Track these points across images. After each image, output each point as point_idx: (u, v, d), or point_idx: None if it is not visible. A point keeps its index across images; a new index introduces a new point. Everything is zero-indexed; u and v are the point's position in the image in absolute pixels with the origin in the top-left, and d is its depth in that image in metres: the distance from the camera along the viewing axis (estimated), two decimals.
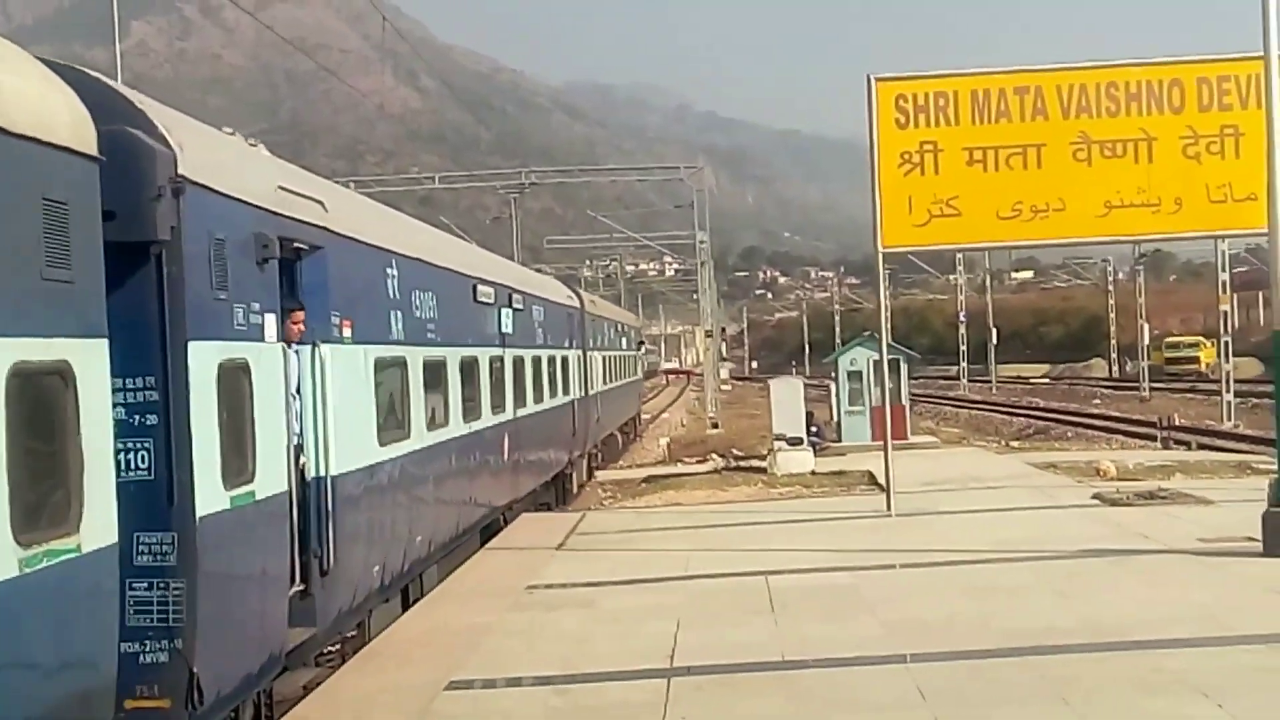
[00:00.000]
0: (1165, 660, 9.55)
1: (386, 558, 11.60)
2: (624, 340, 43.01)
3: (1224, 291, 44.72)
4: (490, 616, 12.40)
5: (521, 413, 19.68)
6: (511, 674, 10.27)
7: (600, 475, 31.29)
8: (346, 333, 10.73)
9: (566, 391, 25.71)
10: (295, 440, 9.67)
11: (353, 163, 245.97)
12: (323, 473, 10.02)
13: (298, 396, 9.85)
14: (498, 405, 17.67)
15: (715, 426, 48.62)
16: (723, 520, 18.90)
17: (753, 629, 11.32)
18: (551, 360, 23.69)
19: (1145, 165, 17.59)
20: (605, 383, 34.33)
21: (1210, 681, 8.84)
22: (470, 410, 15.75)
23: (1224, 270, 44.37)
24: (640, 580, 14.02)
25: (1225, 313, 45.54)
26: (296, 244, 9.78)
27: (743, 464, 28.83)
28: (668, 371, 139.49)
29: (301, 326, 9.89)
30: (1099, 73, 17.87)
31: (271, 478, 8.76)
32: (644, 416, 56.51)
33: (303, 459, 9.85)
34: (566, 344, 26.22)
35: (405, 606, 13.09)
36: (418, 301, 13.21)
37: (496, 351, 17.84)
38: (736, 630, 11.31)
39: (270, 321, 8.90)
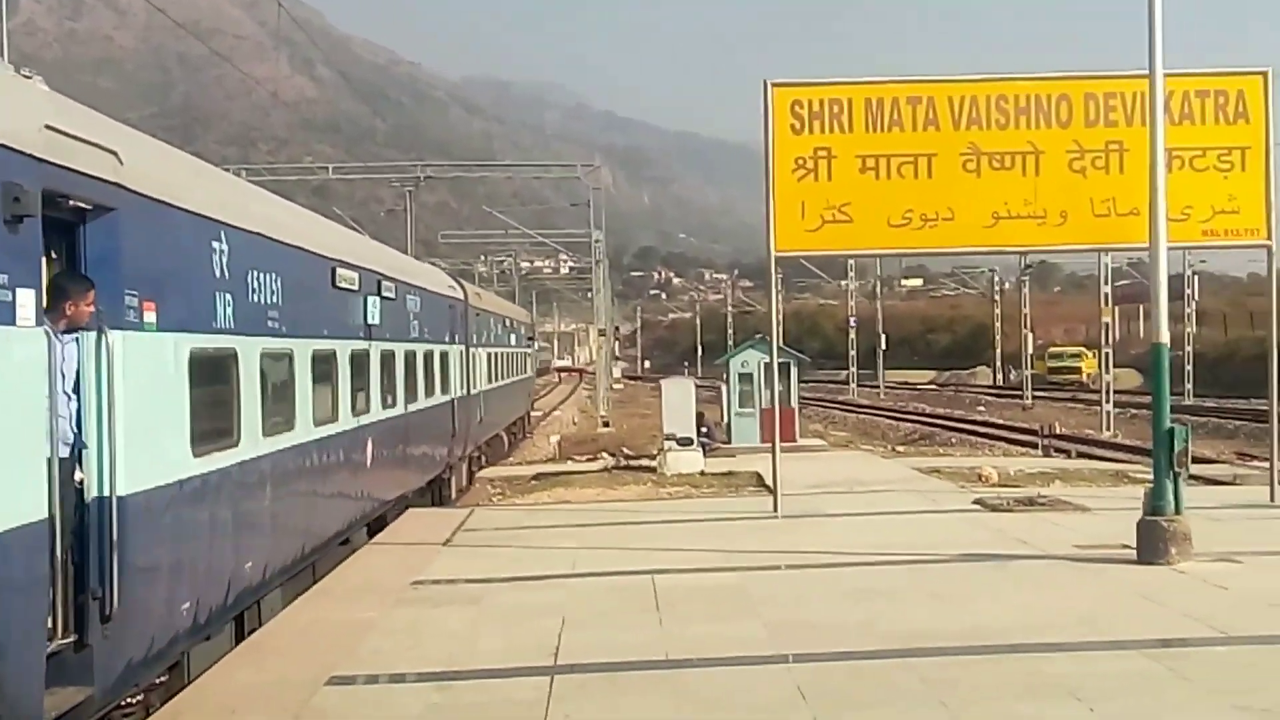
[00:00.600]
0: (1041, 664, 9.72)
1: (203, 592, 9.76)
2: (513, 336, 40.91)
3: (1106, 304, 45.74)
4: (374, 612, 12.28)
5: (390, 413, 17.88)
6: (394, 670, 10.16)
7: (489, 472, 31.15)
8: (149, 317, 8.74)
9: (445, 390, 23.76)
10: (68, 451, 7.84)
11: (245, 150, 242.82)
12: (106, 491, 8.02)
13: (74, 396, 7.96)
14: (360, 405, 15.80)
15: (606, 425, 48.73)
16: (611, 519, 18.89)
17: (638, 628, 11.32)
18: (428, 356, 21.65)
19: (1032, 178, 17.93)
20: (490, 380, 32.42)
21: (1084, 685, 9.02)
22: (323, 411, 13.82)
23: (1106, 283, 45.40)
24: (527, 578, 13.98)
25: (1107, 325, 46.59)
26: (75, 203, 7.90)
27: (633, 463, 28.91)
28: (560, 369, 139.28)
29: (90, 308, 7.99)
30: (989, 85, 18.18)
31: (20, 501, 6.95)
32: (535, 414, 56.37)
33: (80, 475, 7.95)
34: (446, 338, 24.25)
35: (240, 638, 11.49)
36: (255, 284, 11.25)
37: (360, 345, 15.94)
38: (622, 629, 11.30)
39: (25, 299, 7.05)
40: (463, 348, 26.60)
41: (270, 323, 11.73)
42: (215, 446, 10.11)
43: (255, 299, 11.26)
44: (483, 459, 32.15)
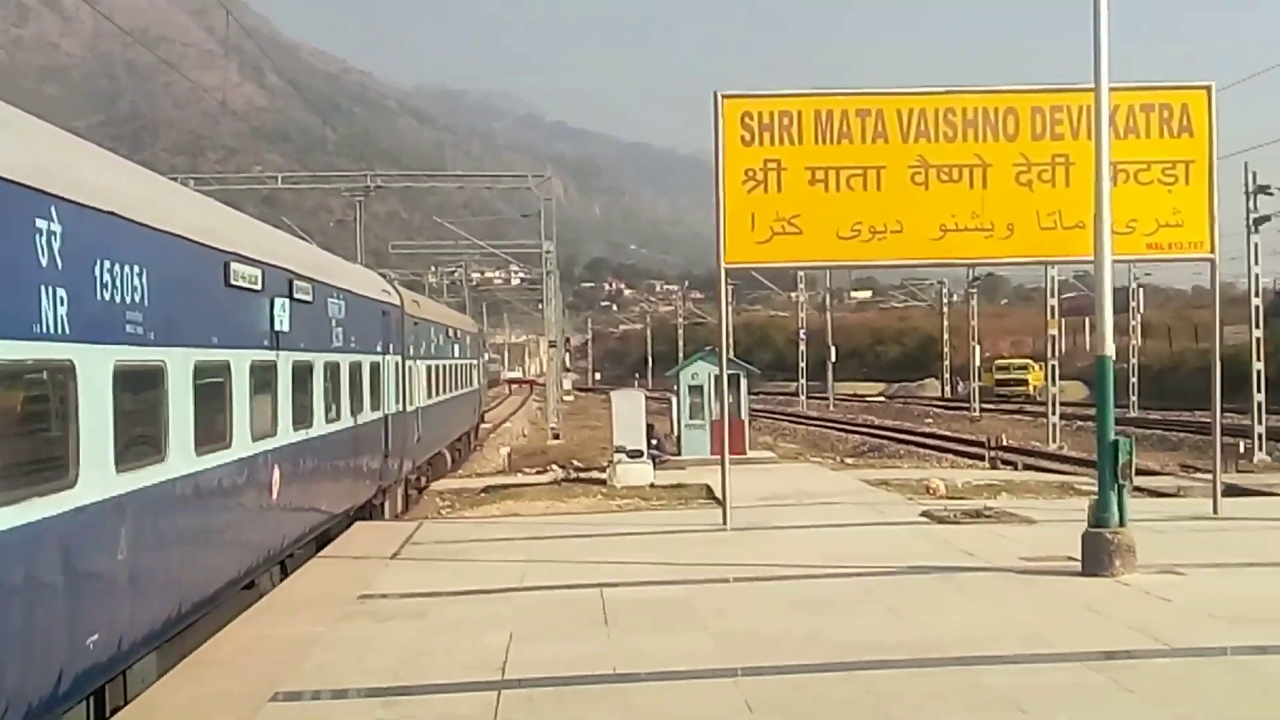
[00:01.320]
0: (987, 676, 9.75)
1: (14, 689, 7.48)
2: (456, 347, 37.86)
3: (1052, 316, 46.16)
4: (320, 626, 12.17)
5: (305, 435, 15.54)
6: (339, 685, 10.07)
7: (439, 485, 30.99)
8: None
9: (376, 406, 21.19)
10: None
11: (194, 159, 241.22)
12: None
13: None
14: (263, 426, 13.53)
15: (556, 437, 48.57)
16: (561, 532, 18.84)
17: (586, 641, 11.28)
18: (354, 368, 19.18)
19: (980, 190, 18.05)
20: (431, 395, 29.82)
21: (1028, 697, 9.07)
22: (211, 435, 11.57)
23: (1052, 296, 45.80)
24: (475, 591, 13.90)
25: (1053, 337, 47.02)
26: None
27: (583, 475, 28.87)
28: (510, 381, 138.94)
29: None
30: (937, 98, 18.29)
31: None
32: (485, 425, 56.20)
33: None
34: (378, 349, 21.77)
35: (101, 715, 9.55)
36: (106, 277, 8.99)
37: (264, 356, 13.68)
38: (569, 642, 11.26)
39: None
40: (398, 359, 24.14)
41: (130, 328, 9.51)
42: (34, 490, 7.79)
43: (106, 297, 9.03)
44: (424, 480, 30.47)
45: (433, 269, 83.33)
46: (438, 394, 31.42)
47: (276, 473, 14.13)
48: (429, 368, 29.50)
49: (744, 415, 33.43)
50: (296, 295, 15.03)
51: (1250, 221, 37.20)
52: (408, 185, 62.58)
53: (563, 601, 13.17)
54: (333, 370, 17.56)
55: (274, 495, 14.09)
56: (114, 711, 9.61)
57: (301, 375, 15.50)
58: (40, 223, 8.01)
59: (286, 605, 13.48)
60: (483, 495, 27.02)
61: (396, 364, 23.88)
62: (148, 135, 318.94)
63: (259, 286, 13.55)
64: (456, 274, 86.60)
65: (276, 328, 14.15)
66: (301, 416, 15.45)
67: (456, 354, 37.87)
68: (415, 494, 28.80)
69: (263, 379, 13.68)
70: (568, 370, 79.01)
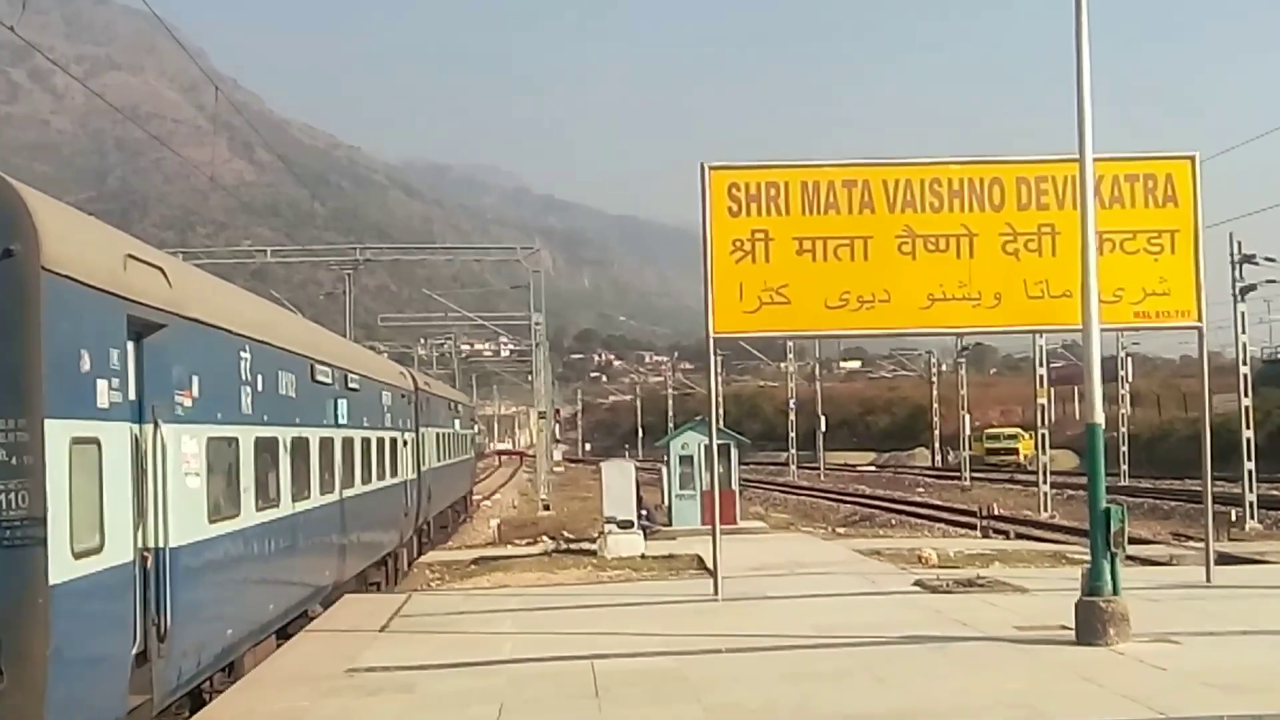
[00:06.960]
0: None
1: None
2: (387, 407, 23.36)
3: (1041, 385, 46.19)
4: (304, 702, 12.02)
5: None
6: None
7: (428, 557, 30.78)
8: None
9: None
10: None
11: (183, 234, 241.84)
12: None
13: None
14: None
15: (547, 508, 48.41)
16: (551, 603, 18.72)
17: (576, 714, 11.17)
18: None
19: (966, 260, 18.12)
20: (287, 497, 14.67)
21: None
22: None
23: (1041, 365, 45.87)
24: (464, 664, 13.76)
25: (1042, 406, 47.03)
26: None
27: (573, 546, 28.72)
28: (500, 452, 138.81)
29: None
30: (923, 169, 18.41)
31: None
32: (476, 496, 55.95)
33: None
34: None
35: None
36: None
37: None
38: (559, 716, 11.16)
39: None
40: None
41: None
42: None
43: None
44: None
45: (422, 341, 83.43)
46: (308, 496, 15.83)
47: None
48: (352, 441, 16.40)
49: (734, 485, 33.42)
50: None
51: (1236, 290, 37.36)
52: (396, 258, 62.87)
53: (553, 674, 13.04)
54: None
55: None
56: None
57: None
58: None
59: (273, 681, 13.32)
60: (472, 567, 26.86)
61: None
62: (136, 210, 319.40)
63: None
64: (446, 346, 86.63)
65: None
66: None
67: (385, 419, 22.72)
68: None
69: None
70: (558, 441, 79.00)
